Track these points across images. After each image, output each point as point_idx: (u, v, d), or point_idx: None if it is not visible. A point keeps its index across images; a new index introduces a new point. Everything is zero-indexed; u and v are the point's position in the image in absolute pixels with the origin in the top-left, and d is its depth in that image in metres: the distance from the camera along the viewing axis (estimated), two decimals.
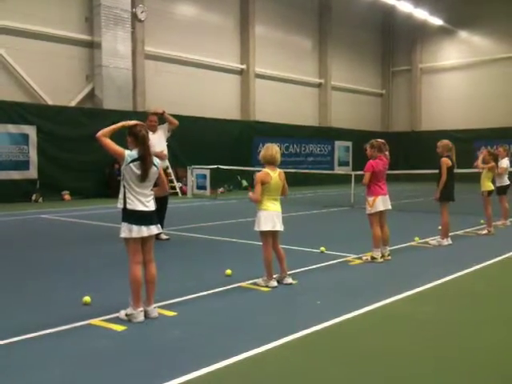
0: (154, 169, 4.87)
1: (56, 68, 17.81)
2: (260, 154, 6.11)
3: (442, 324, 4.84)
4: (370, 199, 7.46)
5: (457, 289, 6.14)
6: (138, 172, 4.75)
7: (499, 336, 4.54)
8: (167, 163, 9.82)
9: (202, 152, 20.47)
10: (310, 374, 3.71)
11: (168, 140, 9.29)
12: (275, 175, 5.96)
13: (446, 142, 8.78)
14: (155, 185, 5.02)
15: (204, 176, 19.23)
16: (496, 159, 10.33)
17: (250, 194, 6.06)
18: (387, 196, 7.57)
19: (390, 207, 7.62)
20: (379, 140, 7.70)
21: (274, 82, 25.83)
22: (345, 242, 8.98)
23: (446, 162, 8.55)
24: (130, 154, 4.78)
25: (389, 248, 7.66)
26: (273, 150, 5.98)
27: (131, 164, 4.74)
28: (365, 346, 4.25)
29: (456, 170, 8.84)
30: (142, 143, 4.79)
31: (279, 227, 5.99)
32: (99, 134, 4.81)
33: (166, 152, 9.04)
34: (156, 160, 4.96)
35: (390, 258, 7.53)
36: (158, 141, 8.57)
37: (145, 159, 4.77)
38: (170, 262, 7.20)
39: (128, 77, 19.20)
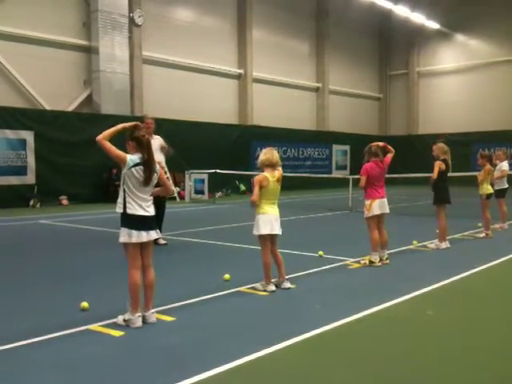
0: (154, 174, 4.87)
1: (53, 73, 17.80)
2: (259, 159, 6.09)
3: (444, 326, 4.84)
4: (367, 202, 7.47)
5: (458, 290, 6.15)
6: (140, 177, 4.74)
7: (503, 337, 4.55)
8: (165, 168, 9.82)
9: (200, 156, 20.44)
10: (314, 376, 3.71)
11: (166, 143, 9.28)
12: (273, 180, 5.96)
13: (441, 144, 8.79)
14: (157, 185, 5.01)
15: (202, 180, 19.21)
16: (490, 160, 10.34)
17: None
18: (385, 199, 7.56)
19: (387, 211, 7.61)
20: (379, 144, 7.69)
21: (272, 87, 25.86)
22: (343, 246, 8.98)
23: (439, 164, 8.55)
24: (132, 158, 4.76)
25: (387, 251, 7.66)
26: (273, 154, 6.00)
27: (133, 168, 4.72)
28: (367, 348, 4.25)
29: (453, 174, 8.84)
30: (147, 148, 4.77)
31: (277, 231, 6.00)
32: (99, 137, 4.75)
33: (164, 163, 8.99)
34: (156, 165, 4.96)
35: (388, 261, 7.52)
36: (155, 148, 8.54)
37: (149, 164, 4.76)
38: (168, 266, 7.18)
39: (125, 81, 19.21)
